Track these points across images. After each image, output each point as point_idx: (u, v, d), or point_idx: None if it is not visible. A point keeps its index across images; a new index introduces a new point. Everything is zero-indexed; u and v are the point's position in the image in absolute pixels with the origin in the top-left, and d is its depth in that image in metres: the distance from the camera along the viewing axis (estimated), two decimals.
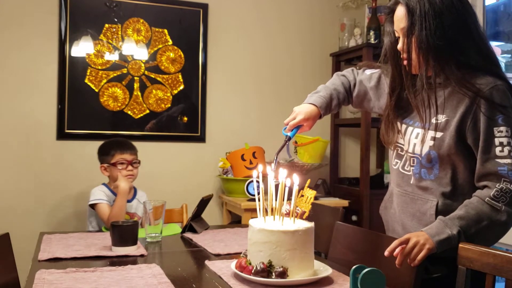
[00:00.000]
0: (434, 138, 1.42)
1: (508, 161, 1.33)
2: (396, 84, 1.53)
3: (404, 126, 1.53)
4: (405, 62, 1.45)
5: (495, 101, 1.34)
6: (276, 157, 1.55)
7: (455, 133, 1.38)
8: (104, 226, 2.29)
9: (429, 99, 1.42)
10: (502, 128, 1.34)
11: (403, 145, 1.53)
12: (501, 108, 1.34)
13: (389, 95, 1.56)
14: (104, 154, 2.43)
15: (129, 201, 2.39)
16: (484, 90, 1.35)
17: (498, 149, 1.33)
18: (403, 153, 1.54)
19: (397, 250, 1.31)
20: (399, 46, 1.46)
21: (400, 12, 1.43)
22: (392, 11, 1.48)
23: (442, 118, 1.42)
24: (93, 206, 2.31)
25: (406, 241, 1.32)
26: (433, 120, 1.43)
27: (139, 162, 2.45)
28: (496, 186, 1.33)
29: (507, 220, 1.34)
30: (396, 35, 1.48)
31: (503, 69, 3.18)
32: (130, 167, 2.38)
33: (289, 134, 1.63)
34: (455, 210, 1.38)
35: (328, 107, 1.67)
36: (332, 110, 1.70)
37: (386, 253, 1.33)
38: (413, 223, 1.48)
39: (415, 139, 1.47)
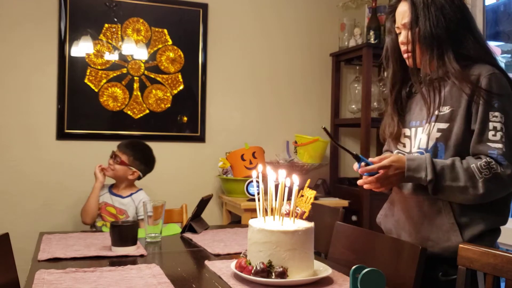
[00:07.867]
0: (440, 130, 1.44)
1: (499, 145, 1.36)
2: (396, 79, 1.60)
3: (413, 130, 1.54)
4: (405, 56, 1.53)
5: (493, 87, 1.39)
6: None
7: (463, 122, 1.41)
8: (104, 226, 2.29)
9: (434, 90, 1.48)
10: (497, 114, 1.38)
11: (405, 152, 1.55)
12: (498, 96, 1.39)
13: (389, 91, 1.63)
14: None
15: (123, 197, 2.42)
16: (482, 77, 1.40)
17: (491, 133, 1.37)
18: None
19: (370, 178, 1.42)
20: (401, 39, 1.53)
21: (403, 7, 1.51)
22: (394, 10, 1.56)
23: (446, 109, 1.45)
24: None
25: (387, 167, 1.41)
26: (437, 112, 1.46)
27: (121, 162, 2.44)
28: (487, 158, 1.36)
29: (482, 194, 1.35)
30: (397, 31, 1.56)
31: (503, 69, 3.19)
32: (110, 160, 2.46)
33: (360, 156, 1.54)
34: (463, 205, 1.40)
35: None
36: None
37: (360, 170, 1.44)
38: (424, 225, 1.47)
39: (421, 134, 1.49)
